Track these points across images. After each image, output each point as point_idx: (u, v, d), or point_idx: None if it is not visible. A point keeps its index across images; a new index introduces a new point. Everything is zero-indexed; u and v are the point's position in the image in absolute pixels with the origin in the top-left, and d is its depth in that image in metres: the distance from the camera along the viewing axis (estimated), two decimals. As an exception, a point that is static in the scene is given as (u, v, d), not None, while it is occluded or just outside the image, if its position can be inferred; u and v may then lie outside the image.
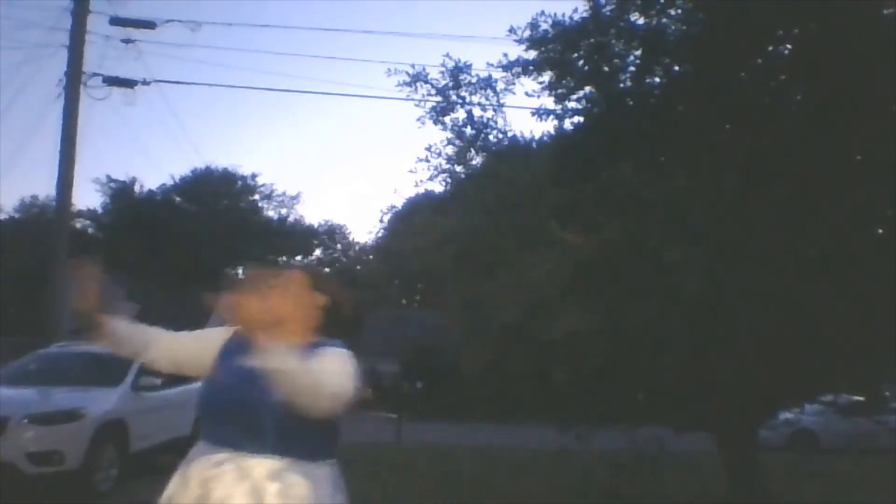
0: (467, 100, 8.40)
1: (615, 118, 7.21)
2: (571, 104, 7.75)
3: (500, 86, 8.26)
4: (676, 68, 7.40)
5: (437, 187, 9.65)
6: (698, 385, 6.73)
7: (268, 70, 61.82)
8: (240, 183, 51.83)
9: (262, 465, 2.14)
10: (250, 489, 2.11)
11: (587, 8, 7.34)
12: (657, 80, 7.55)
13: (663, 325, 6.36)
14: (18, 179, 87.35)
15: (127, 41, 15.24)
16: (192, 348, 2.42)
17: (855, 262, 6.06)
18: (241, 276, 2.56)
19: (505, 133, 8.62)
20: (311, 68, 75.64)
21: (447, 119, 8.46)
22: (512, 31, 7.56)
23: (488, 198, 8.37)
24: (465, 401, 21.56)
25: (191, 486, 2.19)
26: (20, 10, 57.95)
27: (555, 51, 7.42)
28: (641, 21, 7.32)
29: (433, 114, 8.43)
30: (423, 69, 8.47)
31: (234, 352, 2.26)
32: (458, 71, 8.32)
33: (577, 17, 7.37)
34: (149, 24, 15.29)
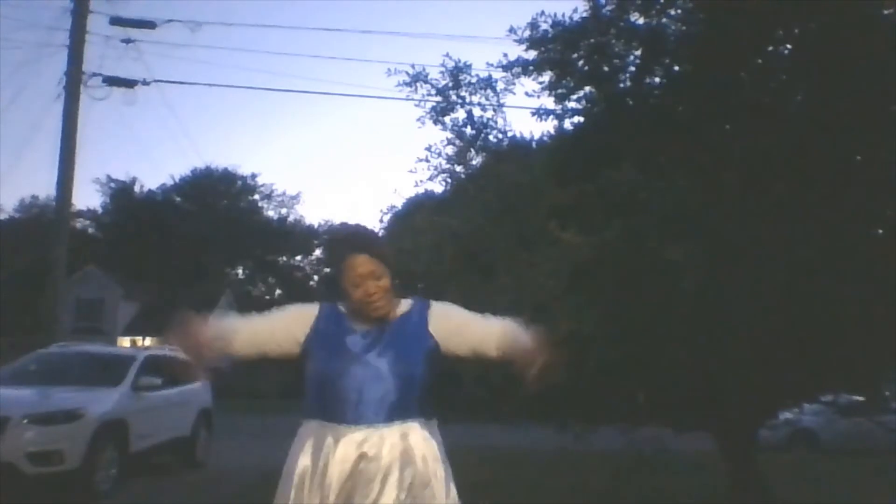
0: (467, 100, 8.41)
1: (615, 118, 7.20)
2: (571, 104, 7.75)
3: (500, 86, 8.28)
4: (676, 68, 7.39)
5: (437, 187, 9.66)
6: (698, 385, 6.72)
7: (268, 70, 61.94)
8: (240, 183, 51.78)
9: (414, 431, 2.34)
10: (419, 455, 2.30)
11: (587, 8, 7.34)
12: (657, 80, 7.54)
13: (663, 325, 6.36)
14: (18, 179, 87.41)
15: (127, 41, 15.27)
16: (275, 332, 2.47)
17: (855, 262, 6.05)
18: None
19: (505, 133, 8.63)
20: (311, 68, 75.89)
21: (447, 119, 8.47)
22: (512, 31, 7.57)
23: (488, 198, 8.36)
24: (465, 401, 21.51)
25: (348, 461, 2.26)
26: (20, 10, 58.03)
27: (555, 51, 7.42)
28: (641, 21, 7.31)
29: (433, 114, 8.43)
30: (423, 69, 8.48)
31: (352, 336, 2.39)
32: (458, 71, 8.32)
33: (577, 17, 7.38)
34: (149, 24, 15.31)
